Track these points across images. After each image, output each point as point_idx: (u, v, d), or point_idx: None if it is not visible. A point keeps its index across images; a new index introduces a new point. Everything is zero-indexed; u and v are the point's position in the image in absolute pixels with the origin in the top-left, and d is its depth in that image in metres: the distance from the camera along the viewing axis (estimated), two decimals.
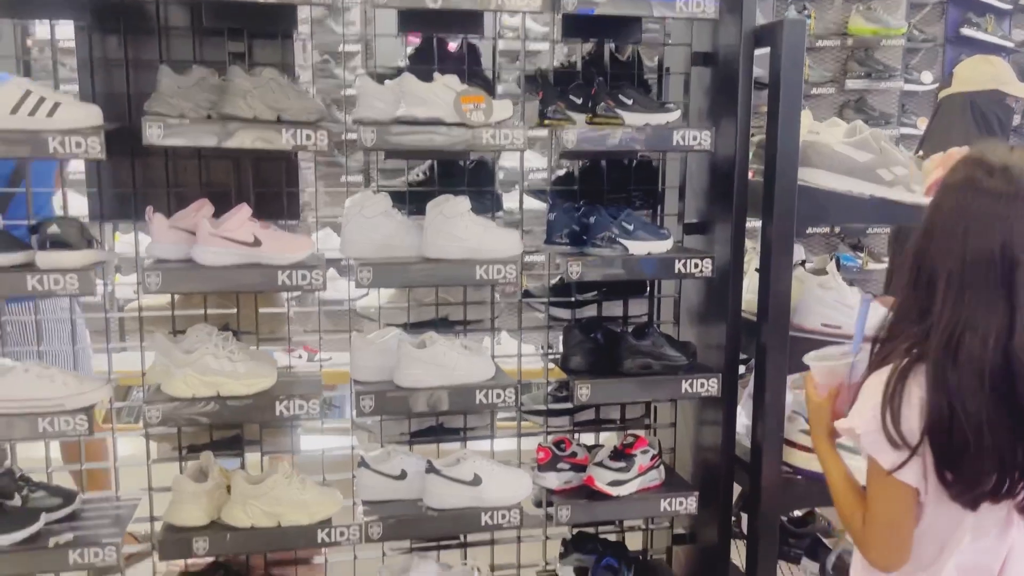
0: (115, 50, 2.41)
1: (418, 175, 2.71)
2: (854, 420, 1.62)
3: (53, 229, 2.06)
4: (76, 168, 3.08)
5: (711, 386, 2.47)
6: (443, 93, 2.23)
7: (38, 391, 2.11)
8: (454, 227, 2.30)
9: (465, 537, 2.74)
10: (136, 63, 2.41)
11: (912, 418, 1.53)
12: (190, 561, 2.50)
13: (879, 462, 1.57)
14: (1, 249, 2.07)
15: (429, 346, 2.36)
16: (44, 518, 2.23)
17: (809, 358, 1.90)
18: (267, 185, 2.55)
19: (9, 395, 2.10)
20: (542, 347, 2.84)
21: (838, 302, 2.45)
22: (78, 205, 2.58)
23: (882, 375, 1.58)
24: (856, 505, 1.69)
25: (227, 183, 2.51)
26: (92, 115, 2.09)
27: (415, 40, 2.69)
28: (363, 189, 2.67)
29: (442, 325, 2.69)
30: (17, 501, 2.25)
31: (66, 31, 2.42)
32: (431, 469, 2.40)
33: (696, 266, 2.42)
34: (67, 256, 2.07)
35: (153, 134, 2.08)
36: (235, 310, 2.54)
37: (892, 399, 1.54)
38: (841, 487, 1.74)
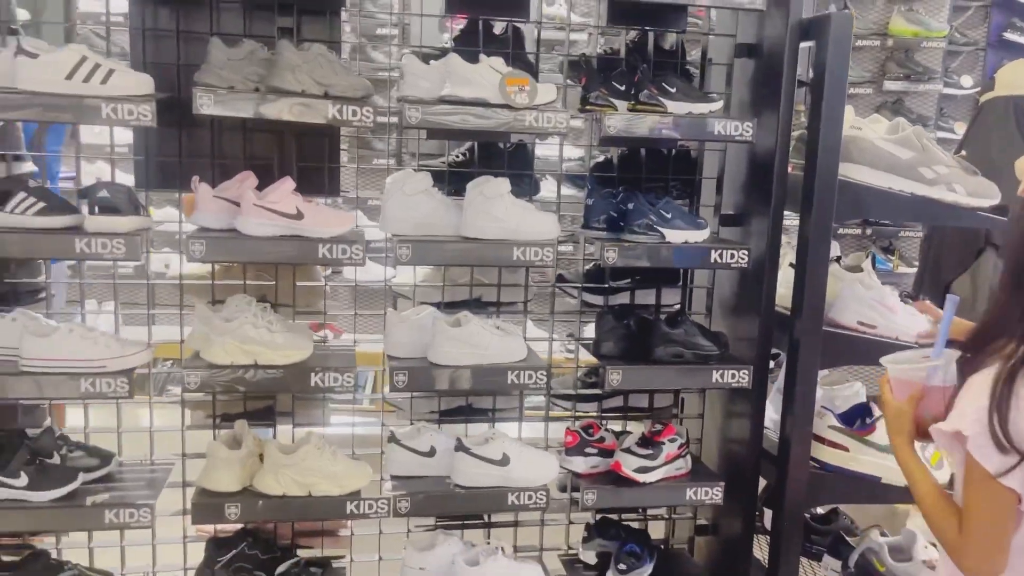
0: (167, 21, 2.45)
1: (457, 156, 2.73)
2: (958, 422, 1.59)
3: (103, 194, 2.10)
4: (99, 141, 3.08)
5: (742, 377, 2.47)
6: (488, 75, 2.24)
7: (82, 352, 2.16)
8: (493, 208, 2.32)
9: (489, 517, 2.77)
10: (186, 35, 2.45)
11: (1021, 421, 1.51)
12: (219, 527, 2.55)
13: (984, 466, 1.54)
14: (52, 211, 2.11)
15: (464, 325, 2.39)
16: (82, 477, 2.28)
17: (887, 361, 1.88)
18: (309, 160, 2.57)
19: (53, 354, 2.15)
20: (572, 332, 2.86)
21: (876, 301, 2.44)
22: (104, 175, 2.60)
23: (986, 377, 1.55)
24: (948, 511, 1.64)
25: (270, 157, 2.54)
26: (144, 83, 2.12)
27: (453, 23, 2.71)
28: (395, 170, 2.70)
29: (475, 306, 2.71)
30: (56, 460, 2.30)
31: (116, 4, 2.46)
32: (460, 447, 2.42)
33: (732, 257, 2.42)
34: (116, 221, 2.11)
35: (203, 103, 2.11)
36: (273, 283, 2.57)
37: (1000, 402, 1.51)
38: (931, 494, 1.69)
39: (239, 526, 2.52)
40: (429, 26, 3.25)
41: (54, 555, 2.41)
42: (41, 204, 2.11)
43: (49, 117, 2.06)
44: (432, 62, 2.33)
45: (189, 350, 2.37)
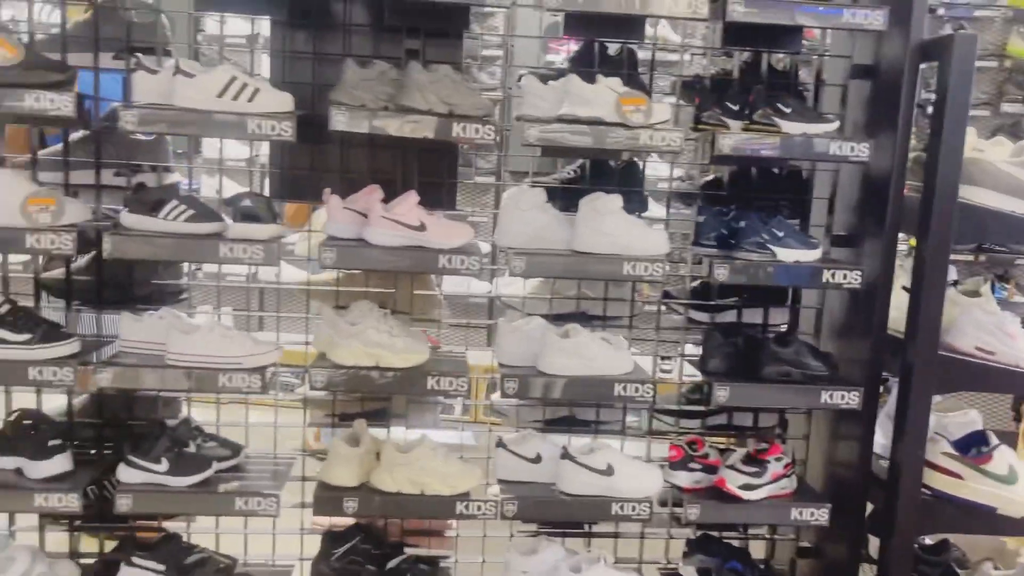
0: (303, 44, 2.63)
1: (568, 173, 2.81)
2: None
3: (246, 203, 2.28)
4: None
5: (852, 399, 2.45)
6: (605, 94, 2.32)
7: (220, 349, 2.33)
8: (605, 223, 2.39)
9: (590, 527, 2.82)
10: (319, 57, 2.62)
11: None
12: (334, 521, 2.68)
13: None
14: (200, 218, 2.30)
15: (572, 336, 2.46)
16: (215, 466, 2.45)
17: None
18: (429, 175, 2.70)
19: (195, 350, 2.32)
20: (666, 352, 2.89)
21: (996, 327, 2.40)
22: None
23: None
24: None
25: (393, 171, 2.68)
26: (285, 102, 2.29)
27: (556, 46, 2.80)
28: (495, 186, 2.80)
29: (581, 319, 2.77)
30: (192, 448, 2.48)
31: (239, 27, 2.64)
32: (566, 455, 2.49)
33: (844, 277, 2.41)
34: (256, 228, 2.28)
35: (338, 120, 2.26)
36: (393, 290, 2.71)
37: None
38: None
39: (352, 521, 2.65)
40: (531, 47, 3.34)
41: (185, 538, 2.59)
42: (191, 211, 2.29)
43: (201, 132, 2.25)
44: (551, 82, 2.43)
45: (315, 352, 2.52)
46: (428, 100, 2.31)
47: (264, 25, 2.65)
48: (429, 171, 2.71)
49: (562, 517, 2.65)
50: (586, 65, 2.65)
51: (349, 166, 2.68)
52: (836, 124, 2.49)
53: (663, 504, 2.67)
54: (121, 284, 2.65)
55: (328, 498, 2.42)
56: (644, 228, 2.45)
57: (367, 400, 2.77)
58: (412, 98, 2.30)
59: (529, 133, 2.31)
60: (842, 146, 2.38)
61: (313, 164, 2.67)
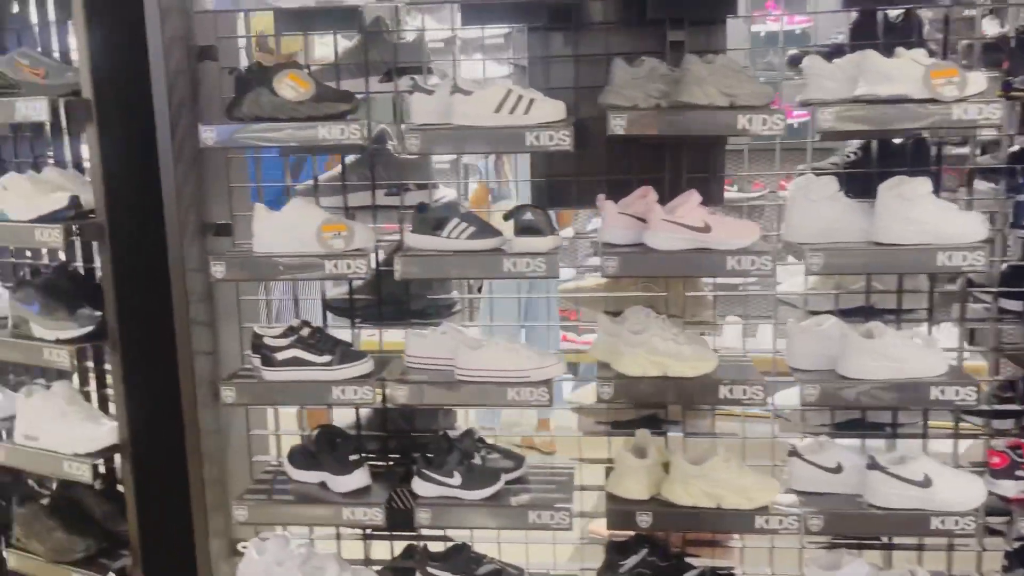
0: (560, 46, 2.57)
1: (848, 155, 2.59)
2: None
3: (527, 216, 2.25)
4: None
5: None
6: (910, 68, 2.09)
7: (507, 363, 2.32)
8: (912, 210, 2.16)
9: (890, 539, 2.60)
10: (575, 59, 2.56)
11: None
12: (612, 530, 2.63)
13: None
14: (481, 235, 2.30)
15: (878, 336, 2.25)
16: (503, 478, 2.46)
17: None
18: (695, 171, 2.57)
19: (484, 365, 2.33)
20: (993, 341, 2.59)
21: None
22: None
23: None
24: None
25: (657, 170, 2.58)
26: (559, 110, 2.24)
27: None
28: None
29: (871, 313, 2.55)
30: (478, 460, 2.51)
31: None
32: (875, 466, 2.29)
33: None
34: (538, 241, 2.25)
35: (617, 124, 2.18)
36: (663, 293, 2.61)
37: None
38: None
39: (631, 532, 2.59)
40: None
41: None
42: (472, 228, 2.30)
43: (480, 148, 2.24)
44: (835, 60, 2.23)
45: (595, 358, 2.47)
46: (708, 93, 2.18)
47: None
48: (694, 167, 2.58)
49: (873, 532, 2.45)
50: (867, 37, 2.42)
51: (609, 168, 2.60)
52: None
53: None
54: (398, 300, 2.72)
55: (620, 512, 2.37)
56: (957, 213, 2.20)
57: (641, 406, 2.70)
58: (691, 93, 2.18)
59: (823, 118, 2.13)
60: None
61: (573, 169, 2.61)
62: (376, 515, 2.41)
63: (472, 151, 2.45)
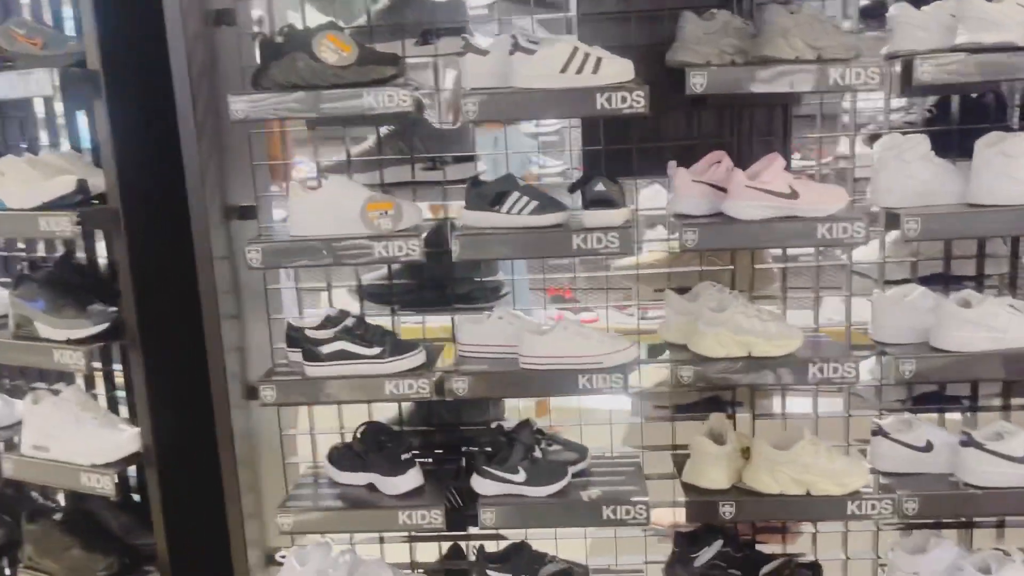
0: (613, 3, 2.36)
1: (925, 112, 2.42)
2: None
3: (599, 187, 2.05)
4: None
5: None
6: (1015, 12, 1.92)
7: (578, 348, 2.14)
8: (1015, 168, 2.00)
9: (970, 517, 2.47)
10: (627, 15, 2.35)
11: None
12: (675, 520, 2.47)
13: None
14: (545, 209, 2.10)
15: (975, 305, 2.10)
16: (570, 471, 2.28)
17: None
18: (760, 134, 2.39)
19: (551, 352, 2.14)
20: None
21: None
22: None
23: None
24: None
25: (719, 134, 2.39)
26: (627, 69, 2.04)
27: None
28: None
29: (948, 281, 2.40)
30: (539, 453, 2.32)
31: None
32: (970, 442, 2.15)
33: None
34: (611, 214, 2.05)
35: (697, 82, 1.98)
36: (730, 267, 2.43)
37: None
38: None
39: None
40: None
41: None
42: (535, 203, 2.10)
43: (543, 113, 2.04)
44: (924, 8, 2.06)
45: (654, 338, 2.30)
46: (794, 46, 1.99)
47: None
48: (759, 131, 2.40)
49: (971, 513, 2.32)
50: None
51: (666, 134, 2.41)
52: None
53: None
54: (440, 285, 2.51)
55: (702, 503, 2.20)
56: None
57: (705, 388, 2.53)
58: (775, 46, 1.99)
59: (921, 70, 1.95)
60: None
61: (628, 136, 2.41)
62: (436, 517, 2.21)
63: (534, 116, 2.24)
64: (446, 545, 2.64)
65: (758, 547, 2.50)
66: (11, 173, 2.26)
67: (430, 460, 2.51)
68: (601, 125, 2.36)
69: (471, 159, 2.52)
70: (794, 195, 2.04)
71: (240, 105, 2.03)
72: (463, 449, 2.56)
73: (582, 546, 2.62)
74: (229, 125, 2.20)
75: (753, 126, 2.37)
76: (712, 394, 2.56)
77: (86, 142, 2.49)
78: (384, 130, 2.46)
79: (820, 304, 2.48)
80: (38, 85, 2.06)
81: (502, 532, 2.48)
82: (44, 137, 2.66)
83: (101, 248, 2.51)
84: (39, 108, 2.64)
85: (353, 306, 2.48)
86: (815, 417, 2.49)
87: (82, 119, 2.48)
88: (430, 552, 2.66)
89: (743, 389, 2.49)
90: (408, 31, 2.36)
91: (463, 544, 2.62)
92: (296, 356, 2.26)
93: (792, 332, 2.14)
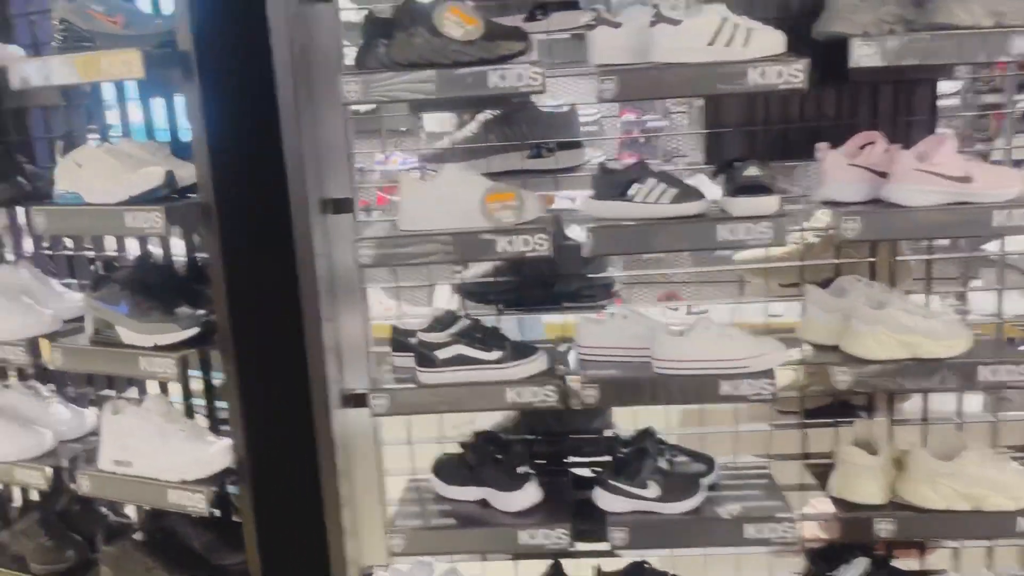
0: None
1: None
2: None
3: (750, 171, 1.85)
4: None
5: None
6: None
7: (720, 351, 1.94)
8: None
9: None
10: None
11: None
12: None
13: None
14: (685, 197, 1.90)
15: None
16: (703, 484, 2.09)
17: None
18: (900, 113, 2.19)
19: (690, 355, 1.95)
20: None
21: None
22: None
23: None
24: None
25: (855, 112, 2.19)
26: (779, 41, 1.83)
27: None
28: None
29: None
30: (664, 464, 2.13)
31: None
32: None
33: None
34: (764, 202, 1.85)
35: (863, 54, 1.77)
36: (871, 259, 2.23)
37: None
38: None
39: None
40: None
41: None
42: (673, 190, 1.90)
43: (691, 92, 1.84)
44: None
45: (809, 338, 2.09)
46: (972, 12, 1.78)
47: None
48: (901, 110, 2.19)
49: None
50: None
51: (800, 114, 2.21)
52: None
53: None
54: (545, 282, 2.32)
55: (855, 520, 2.00)
56: None
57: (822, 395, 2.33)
58: (951, 13, 1.78)
59: None
60: None
61: (754, 117, 2.21)
62: (562, 538, 2.02)
63: (677, 94, 2.03)
64: (545, 563, 2.45)
65: (892, 563, 2.30)
66: (90, 165, 2.07)
67: (532, 472, 2.31)
68: (710, 108, 2.16)
69: (578, 145, 2.33)
70: (968, 179, 1.84)
71: (353, 86, 1.83)
72: (564, 460, 2.38)
73: (694, 563, 2.43)
74: (324, 111, 2.03)
75: (897, 105, 2.16)
76: (829, 400, 2.35)
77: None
78: (485, 115, 2.26)
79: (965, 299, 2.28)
80: (127, 67, 1.87)
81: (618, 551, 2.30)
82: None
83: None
84: (107, 94, 2.46)
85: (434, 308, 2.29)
86: (959, 421, 2.29)
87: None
88: (533, 569, 2.47)
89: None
90: (515, 6, 2.17)
91: (562, 561, 2.43)
92: (403, 361, 2.07)
93: (960, 331, 1.94)
